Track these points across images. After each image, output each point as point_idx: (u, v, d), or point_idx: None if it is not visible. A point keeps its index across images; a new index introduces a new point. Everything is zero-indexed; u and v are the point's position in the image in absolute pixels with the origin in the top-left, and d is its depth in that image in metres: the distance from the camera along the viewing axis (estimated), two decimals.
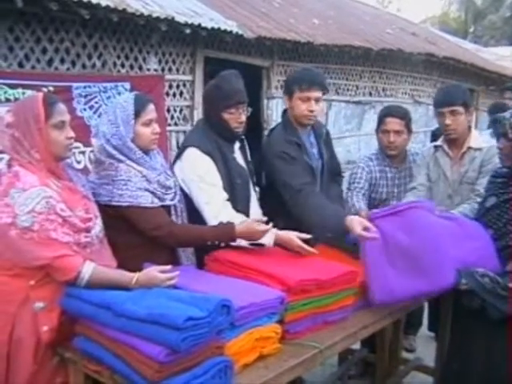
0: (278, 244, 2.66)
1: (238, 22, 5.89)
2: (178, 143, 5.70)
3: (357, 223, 2.66)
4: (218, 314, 1.88)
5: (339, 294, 2.40)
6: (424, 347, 4.30)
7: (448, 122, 3.26)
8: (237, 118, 2.88)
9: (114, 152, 2.47)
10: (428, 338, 4.45)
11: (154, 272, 2.18)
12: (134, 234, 2.50)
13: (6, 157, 2.24)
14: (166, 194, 2.60)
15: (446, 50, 10.65)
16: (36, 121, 2.16)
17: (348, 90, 8.30)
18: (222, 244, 2.61)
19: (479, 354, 2.60)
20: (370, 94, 8.78)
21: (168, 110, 5.72)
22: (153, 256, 2.42)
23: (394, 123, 3.51)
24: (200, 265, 2.67)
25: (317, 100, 3.12)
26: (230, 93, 2.83)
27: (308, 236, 2.69)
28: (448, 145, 3.40)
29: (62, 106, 2.26)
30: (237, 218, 2.65)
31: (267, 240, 2.63)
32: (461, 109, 3.26)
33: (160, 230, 2.48)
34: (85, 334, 2.10)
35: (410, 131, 3.60)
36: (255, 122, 6.56)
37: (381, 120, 3.60)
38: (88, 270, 2.14)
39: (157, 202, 2.52)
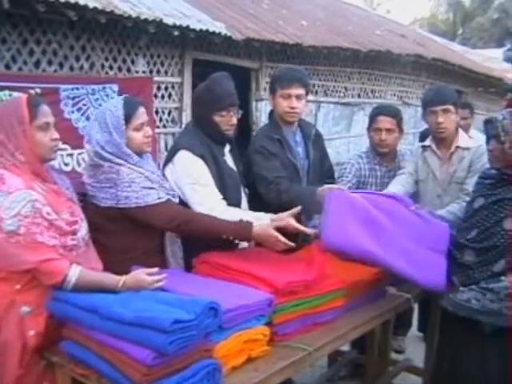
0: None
1: (226, 24, 5.88)
2: (166, 145, 5.68)
3: (327, 188, 2.78)
4: (206, 317, 1.87)
5: (328, 295, 2.40)
6: (414, 348, 4.31)
7: (441, 119, 3.29)
8: (228, 120, 2.88)
9: (112, 157, 2.46)
10: (418, 339, 4.47)
11: (141, 275, 2.17)
12: (128, 238, 2.50)
13: None
14: (168, 194, 2.61)
15: (435, 51, 10.69)
16: (20, 122, 2.15)
17: (337, 91, 8.31)
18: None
19: (469, 354, 2.60)
20: (359, 96, 8.79)
21: (156, 112, 5.69)
22: (143, 260, 2.40)
23: (385, 121, 3.56)
24: (188, 268, 2.66)
25: (298, 97, 3.15)
26: (222, 95, 2.83)
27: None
28: (436, 145, 3.43)
29: (45, 108, 2.25)
30: (237, 214, 2.66)
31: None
32: (452, 108, 3.31)
33: (174, 220, 2.48)
34: (72, 337, 2.09)
35: (401, 130, 3.64)
36: (244, 123, 6.55)
37: (372, 118, 3.64)
38: (75, 273, 2.13)
39: (164, 196, 2.53)
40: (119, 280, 2.16)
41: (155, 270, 2.23)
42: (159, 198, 2.49)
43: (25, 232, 2.06)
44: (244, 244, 2.83)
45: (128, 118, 2.48)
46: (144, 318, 1.80)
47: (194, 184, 2.75)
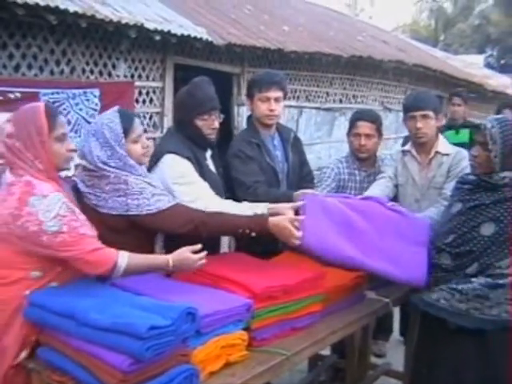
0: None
1: (207, 29, 5.89)
2: None
3: (302, 192, 2.85)
4: (183, 322, 1.87)
5: (306, 300, 2.40)
6: (395, 352, 4.33)
7: (419, 125, 3.32)
8: (210, 124, 2.89)
9: (117, 171, 2.45)
10: (399, 343, 4.49)
11: (186, 253, 2.28)
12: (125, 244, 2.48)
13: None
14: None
15: (416, 57, 10.79)
16: (39, 133, 2.16)
17: (319, 96, 8.35)
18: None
19: (445, 359, 2.63)
20: (341, 101, 8.84)
21: (138, 117, 5.67)
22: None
23: (365, 127, 3.58)
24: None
25: (276, 100, 3.20)
26: (203, 99, 2.84)
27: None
28: (416, 150, 3.46)
29: (62, 118, 2.28)
30: (234, 207, 2.67)
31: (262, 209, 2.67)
32: (431, 113, 3.34)
33: (191, 222, 2.48)
34: (49, 343, 2.07)
35: (380, 135, 3.67)
36: (226, 129, 6.56)
37: (352, 123, 3.66)
38: (124, 259, 2.18)
39: (175, 199, 2.54)
40: (167, 260, 2.26)
41: (198, 246, 2.31)
42: (169, 202, 2.49)
43: (68, 229, 2.10)
44: (224, 248, 2.83)
45: (126, 132, 2.48)
46: (120, 324, 1.79)
47: (185, 183, 2.74)
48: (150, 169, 2.82)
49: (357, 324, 2.68)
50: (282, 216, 2.56)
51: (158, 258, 2.33)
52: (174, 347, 1.86)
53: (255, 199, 2.92)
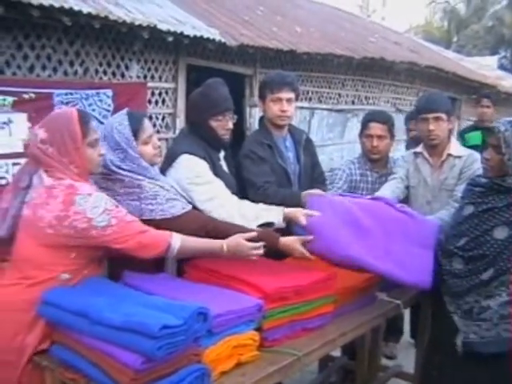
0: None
1: (220, 30, 5.91)
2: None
3: (309, 193, 2.87)
4: (195, 322, 1.87)
5: (318, 301, 2.40)
6: (405, 354, 4.33)
7: (431, 127, 3.31)
8: (224, 125, 2.90)
9: (130, 174, 2.46)
10: (410, 345, 4.48)
11: (240, 239, 2.34)
12: None
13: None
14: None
15: (429, 58, 10.75)
16: (73, 140, 2.19)
17: (331, 98, 8.34)
18: None
19: (456, 363, 2.62)
20: (353, 103, 8.84)
21: (150, 118, 5.70)
22: (134, 264, 2.38)
23: (377, 128, 3.60)
24: (179, 272, 2.67)
25: (288, 100, 3.20)
26: (217, 100, 2.85)
27: None
28: (428, 152, 3.45)
29: (94, 124, 2.31)
30: (249, 208, 2.69)
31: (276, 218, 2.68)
32: (444, 116, 3.32)
33: (204, 228, 2.49)
34: (62, 341, 2.09)
35: (392, 136, 3.68)
36: (238, 130, 6.56)
37: (364, 125, 3.69)
38: (177, 240, 2.25)
39: (188, 206, 2.54)
40: (222, 245, 2.33)
41: (253, 234, 2.37)
42: (183, 208, 2.50)
43: (117, 221, 2.17)
44: None
45: (136, 133, 2.48)
46: (133, 323, 1.81)
47: (202, 183, 2.74)
48: (164, 170, 2.81)
49: (367, 326, 2.67)
50: (294, 238, 2.57)
51: (212, 242, 2.36)
52: (186, 347, 1.86)
53: (265, 199, 2.92)
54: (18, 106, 4.52)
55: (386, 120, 3.67)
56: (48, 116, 2.29)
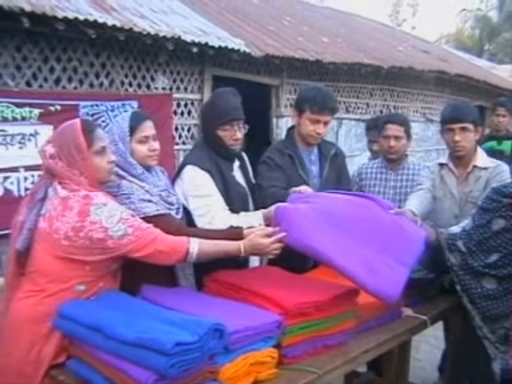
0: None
1: (245, 41, 5.90)
2: None
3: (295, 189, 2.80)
4: (210, 338, 1.83)
5: (339, 317, 2.33)
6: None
7: (457, 138, 3.21)
8: (232, 135, 2.86)
9: (116, 169, 2.45)
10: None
11: (258, 238, 2.33)
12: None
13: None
14: (170, 209, 2.59)
15: (458, 67, 10.61)
16: (79, 151, 2.20)
17: (358, 108, 8.26)
18: None
19: None
20: (381, 112, 8.72)
21: (176, 129, 5.72)
22: (151, 276, 2.38)
23: (394, 129, 3.72)
24: (199, 286, 2.63)
25: (326, 123, 3.16)
26: (224, 110, 2.83)
27: None
28: (454, 163, 3.35)
29: (100, 131, 2.30)
30: (240, 222, 2.64)
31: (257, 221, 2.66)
32: (470, 126, 3.23)
33: (177, 233, 2.42)
34: (78, 356, 2.07)
35: (409, 137, 3.80)
36: (265, 140, 6.54)
37: (382, 126, 3.80)
38: (195, 245, 2.26)
39: (163, 208, 2.52)
40: (239, 246, 2.33)
41: (270, 229, 2.35)
42: (158, 210, 2.48)
43: (133, 230, 2.17)
44: (255, 262, 2.79)
45: (132, 130, 2.49)
46: (146, 339, 1.77)
47: (198, 196, 2.75)
48: (174, 180, 2.84)
49: (391, 342, 2.58)
50: (255, 231, 2.46)
51: (230, 245, 2.35)
52: (201, 364, 1.82)
53: (263, 201, 2.93)
54: (44, 118, 4.57)
55: (403, 121, 3.80)
56: (55, 131, 2.30)
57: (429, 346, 4.52)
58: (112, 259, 2.23)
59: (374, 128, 4.22)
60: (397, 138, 3.69)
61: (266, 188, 3.01)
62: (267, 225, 2.60)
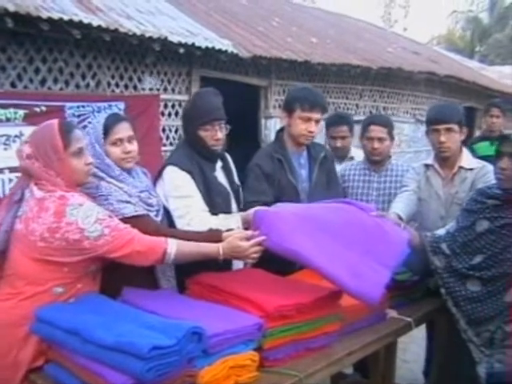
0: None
1: (233, 42, 5.88)
2: None
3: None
4: (188, 342, 1.81)
5: (322, 320, 2.30)
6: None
7: (443, 139, 3.20)
8: (213, 135, 2.85)
9: (94, 170, 2.43)
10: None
11: (236, 241, 2.31)
12: None
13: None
14: (149, 210, 2.57)
15: (449, 68, 10.62)
16: (55, 151, 2.19)
17: (348, 109, 8.25)
18: None
19: None
20: (371, 113, 8.70)
21: (163, 130, 5.68)
22: (131, 279, 2.36)
23: (377, 131, 3.66)
24: (181, 288, 2.60)
25: (317, 121, 3.13)
26: (205, 110, 2.82)
27: None
28: (439, 164, 3.34)
29: (78, 132, 2.28)
30: (220, 224, 2.63)
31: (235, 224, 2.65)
32: (456, 127, 3.22)
33: (155, 234, 2.40)
34: (56, 360, 2.05)
35: (392, 138, 3.76)
36: (254, 142, 6.51)
37: (365, 128, 3.74)
38: (172, 246, 2.24)
39: (142, 210, 2.50)
40: (218, 248, 2.30)
41: (249, 232, 2.32)
42: (136, 211, 2.46)
43: (109, 230, 2.16)
44: (239, 264, 2.77)
45: (106, 132, 2.47)
46: (123, 343, 1.75)
47: (178, 196, 2.74)
48: (156, 179, 2.83)
49: (376, 344, 2.56)
50: (233, 234, 2.43)
51: (208, 247, 2.33)
52: (179, 367, 1.80)
53: None
54: (29, 119, 4.52)
55: (386, 123, 3.74)
56: (32, 131, 2.29)
57: (417, 348, 4.49)
58: (90, 260, 2.21)
59: (340, 123, 4.17)
60: (380, 139, 3.64)
61: (251, 203, 2.94)
62: (246, 228, 2.58)
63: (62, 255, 2.15)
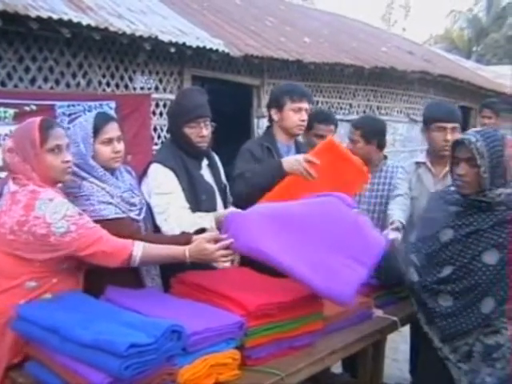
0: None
1: (225, 41, 5.88)
2: None
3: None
4: (168, 340, 1.80)
5: (305, 318, 2.30)
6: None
7: (449, 137, 3.17)
8: (198, 132, 2.85)
9: (76, 169, 2.44)
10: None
11: (202, 244, 2.27)
12: None
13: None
14: (131, 210, 2.57)
15: (443, 68, 10.62)
16: (32, 146, 2.19)
17: (341, 108, 8.25)
18: None
19: None
20: (365, 113, 8.72)
21: (155, 129, 5.68)
22: (115, 278, 2.35)
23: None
24: (167, 287, 2.60)
25: (306, 111, 3.22)
26: (189, 107, 2.83)
27: None
28: (432, 162, 3.34)
29: (58, 130, 2.28)
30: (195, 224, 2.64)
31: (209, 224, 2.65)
32: (459, 127, 3.26)
33: (132, 238, 2.38)
34: (36, 358, 2.04)
35: (367, 141, 3.61)
36: (246, 141, 6.48)
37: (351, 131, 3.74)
38: (139, 248, 2.22)
39: (121, 213, 2.49)
40: (184, 251, 2.27)
41: (215, 234, 2.32)
42: (116, 214, 2.46)
43: (76, 228, 2.15)
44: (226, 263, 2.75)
45: (96, 132, 2.47)
46: (101, 341, 1.74)
47: (159, 193, 2.74)
48: (140, 178, 2.84)
49: (360, 343, 2.55)
50: (201, 237, 2.40)
51: (175, 249, 2.31)
52: (158, 366, 1.79)
53: (243, 180, 2.96)
54: (19, 118, 4.51)
55: (356, 124, 3.74)
56: (18, 126, 2.32)
57: (407, 347, 4.49)
58: (59, 258, 2.19)
59: (329, 121, 3.95)
60: (352, 141, 3.64)
61: (241, 172, 2.99)
62: (219, 228, 2.57)
63: (30, 251, 2.14)
